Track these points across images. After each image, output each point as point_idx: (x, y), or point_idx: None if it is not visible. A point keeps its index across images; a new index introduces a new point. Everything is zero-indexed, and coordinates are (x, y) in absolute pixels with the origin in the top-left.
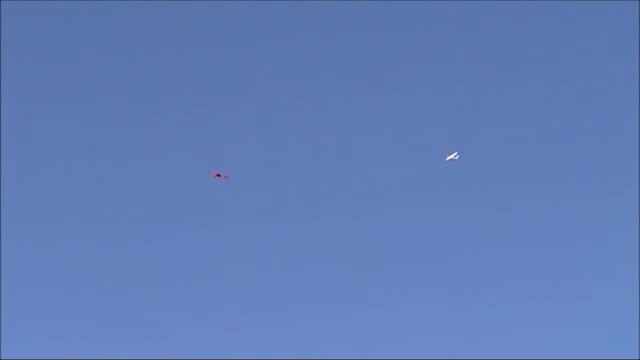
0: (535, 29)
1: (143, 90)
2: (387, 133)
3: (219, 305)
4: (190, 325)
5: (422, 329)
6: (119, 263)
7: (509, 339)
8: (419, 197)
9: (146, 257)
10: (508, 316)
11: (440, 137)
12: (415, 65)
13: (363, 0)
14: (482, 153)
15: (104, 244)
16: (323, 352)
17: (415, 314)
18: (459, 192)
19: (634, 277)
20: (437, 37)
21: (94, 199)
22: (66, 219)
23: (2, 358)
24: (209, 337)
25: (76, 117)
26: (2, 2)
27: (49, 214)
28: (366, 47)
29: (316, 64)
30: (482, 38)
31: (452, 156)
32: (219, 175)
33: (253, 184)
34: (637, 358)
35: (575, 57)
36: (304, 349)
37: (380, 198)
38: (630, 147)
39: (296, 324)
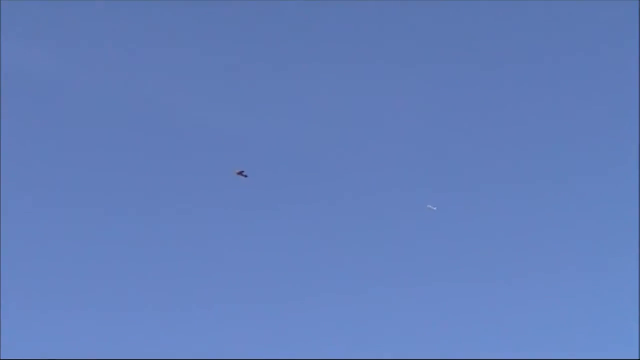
0: (535, 29)
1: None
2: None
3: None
4: (191, 325)
5: (423, 328)
6: (119, 263)
7: (510, 339)
8: (418, 194)
9: (146, 257)
10: (508, 316)
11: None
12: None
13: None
14: (479, 150)
15: (104, 244)
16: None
17: (416, 313)
18: (457, 188)
19: (634, 277)
20: (434, 37)
21: (95, 200)
22: (66, 219)
23: (2, 358)
24: (209, 337)
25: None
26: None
27: (49, 214)
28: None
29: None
30: (481, 38)
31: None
32: (241, 173)
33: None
34: (637, 358)
35: (575, 57)
36: (303, 349)
37: (379, 197)
38: (630, 147)
39: (297, 324)
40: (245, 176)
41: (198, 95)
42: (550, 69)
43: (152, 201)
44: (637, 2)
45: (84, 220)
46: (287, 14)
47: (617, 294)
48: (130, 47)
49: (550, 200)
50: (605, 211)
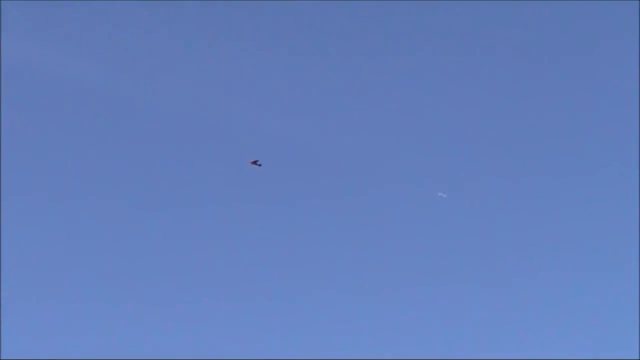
0: (535, 29)
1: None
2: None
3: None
4: (191, 325)
5: (423, 328)
6: (120, 263)
7: (510, 339)
8: (420, 194)
9: (146, 257)
10: (509, 316)
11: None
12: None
13: None
14: (480, 150)
15: (105, 244)
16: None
17: (416, 312)
18: (457, 189)
19: (634, 278)
20: (438, 36)
21: (96, 199)
22: (67, 219)
23: (2, 358)
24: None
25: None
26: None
27: (50, 214)
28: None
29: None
30: (482, 38)
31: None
32: (254, 162)
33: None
34: (637, 358)
35: (575, 57)
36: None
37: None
38: (630, 147)
39: (297, 324)
40: (259, 165)
41: (198, 93)
42: (550, 69)
43: (153, 200)
44: (637, 2)
45: (85, 220)
46: (297, 12)
47: (617, 294)
48: (131, 46)
49: (550, 200)
50: (606, 211)
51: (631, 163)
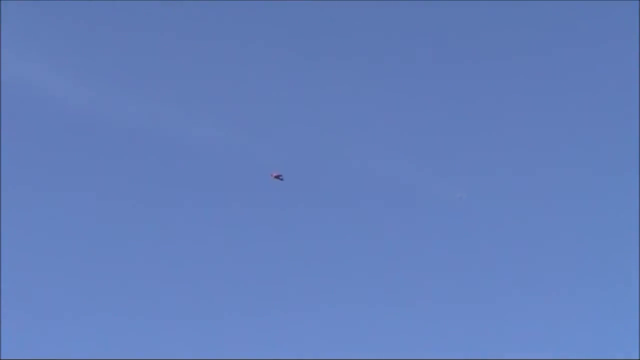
0: (535, 29)
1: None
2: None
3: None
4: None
5: (424, 328)
6: (120, 264)
7: (510, 338)
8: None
9: (147, 257)
10: (509, 316)
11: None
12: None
13: None
14: (478, 150)
15: (105, 244)
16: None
17: (416, 312)
18: (456, 189)
19: (634, 277)
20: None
21: (95, 201)
22: (66, 220)
23: (2, 358)
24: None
25: None
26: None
27: (49, 215)
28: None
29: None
30: (483, 38)
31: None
32: (277, 176)
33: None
34: (637, 358)
35: (574, 57)
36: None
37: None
38: (630, 147)
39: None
40: (282, 179)
41: (198, 104)
42: (549, 69)
43: (156, 202)
44: (637, 2)
45: (84, 221)
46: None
47: (617, 294)
48: (133, 47)
49: (550, 200)
50: (605, 211)
51: (631, 163)
